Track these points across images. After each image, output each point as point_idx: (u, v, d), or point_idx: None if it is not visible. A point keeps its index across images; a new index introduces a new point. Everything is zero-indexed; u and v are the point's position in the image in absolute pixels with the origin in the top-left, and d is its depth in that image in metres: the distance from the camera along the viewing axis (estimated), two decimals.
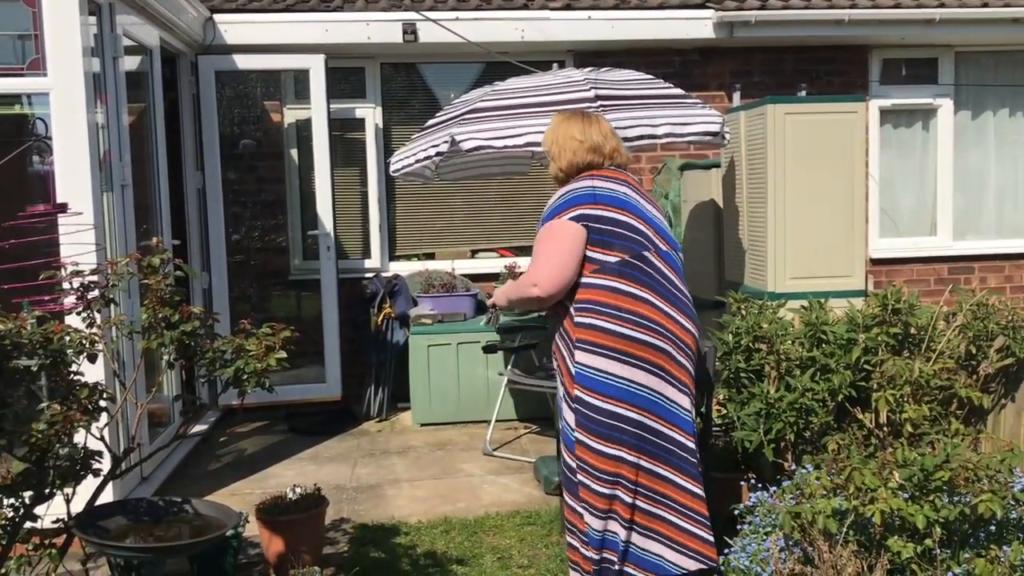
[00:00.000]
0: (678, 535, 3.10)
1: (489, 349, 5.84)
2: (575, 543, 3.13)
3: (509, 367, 5.75)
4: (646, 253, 3.12)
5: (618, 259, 3.07)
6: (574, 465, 3.08)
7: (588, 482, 3.06)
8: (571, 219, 3.08)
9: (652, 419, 3.07)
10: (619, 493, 3.06)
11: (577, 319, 3.08)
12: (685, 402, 3.14)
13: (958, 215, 7.53)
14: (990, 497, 2.80)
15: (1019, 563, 2.72)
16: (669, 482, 3.10)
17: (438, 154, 4.78)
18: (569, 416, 3.09)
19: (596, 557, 3.06)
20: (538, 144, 4.55)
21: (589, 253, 3.08)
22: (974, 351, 4.18)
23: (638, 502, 3.07)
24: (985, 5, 6.82)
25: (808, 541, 2.94)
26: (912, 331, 4.22)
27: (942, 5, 6.76)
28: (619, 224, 3.11)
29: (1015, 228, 7.64)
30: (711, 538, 3.13)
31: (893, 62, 7.33)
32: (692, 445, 3.14)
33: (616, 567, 3.07)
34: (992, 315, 4.22)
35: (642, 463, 3.07)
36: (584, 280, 3.08)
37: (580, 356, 3.06)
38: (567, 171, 3.27)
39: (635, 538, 3.08)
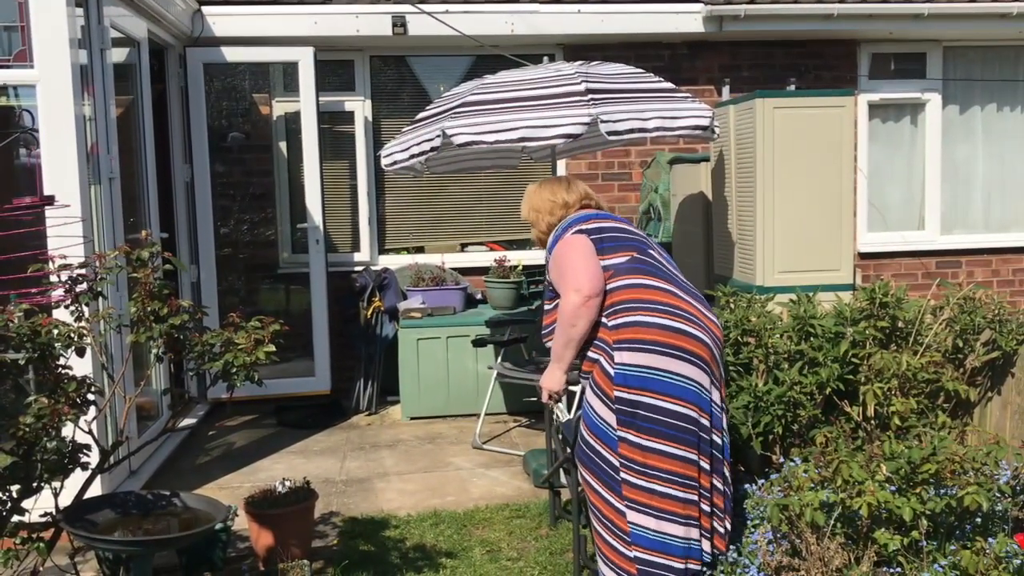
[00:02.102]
0: (713, 525, 3.19)
1: (479, 343, 5.84)
2: (612, 540, 3.12)
3: (498, 360, 5.75)
4: (649, 250, 3.28)
5: (627, 257, 3.19)
6: (617, 463, 3.06)
7: (632, 479, 3.05)
8: (574, 234, 3.24)
9: (702, 416, 3.10)
10: (681, 494, 3.05)
11: (612, 323, 3.11)
12: (717, 396, 3.18)
13: (946, 209, 7.57)
14: (976, 490, 2.82)
15: (1004, 555, 2.74)
16: (713, 486, 3.16)
17: (432, 149, 4.76)
18: (609, 417, 3.07)
19: (681, 567, 3.05)
20: (529, 139, 4.56)
21: (600, 262, 3.17)
22: (961, 344, 4.20)
23: (703, 505, 3.10)
24: (973, 0, 6.84)
25: (796, 533, 2.96)
26: (900, 325, 4.23)
27: (930, 0, 6.78)
28: (616, 230, 3.28)
29: (1002, 222, 7.69)
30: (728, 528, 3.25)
31: (882, 56, 7.35)
32: (722, 441, 3.20)
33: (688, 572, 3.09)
34: (979, 309, 4.24)
35: (702, 464, 3.10)
36: (607, 288, 3.15)
37: (621, 356, 3.07)
38: (548, 231, 3.46)
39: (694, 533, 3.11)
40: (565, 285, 3.14)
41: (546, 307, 3.36)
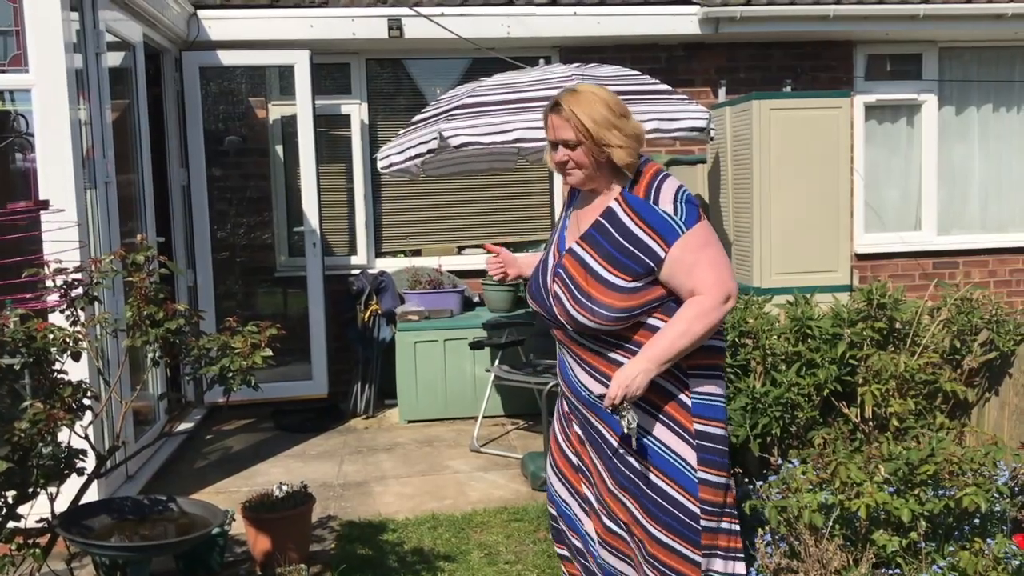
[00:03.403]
0: None
1: (476, 345, 5.84)
2: None
3: (496, 363, 5.75)
4: None
5: None
6: (697, 511, 2.62)
7: (712, 524, 2.66)
8: (704, 219, 2.63)
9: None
10: (737, 527, 2.75)
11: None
12: None
13: (942, 210, 7.57)
14: (974, 490, 2.82)
15: (1002, 555, 2.74)
16: None
17: (429, 151, 4.76)
18: (688, 455, 2.62)
19: None
20: (526, 140, 4.56)
21: None
22: (958, 345, 4.20)
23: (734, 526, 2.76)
24: (969, 1, 6.85)
25: (794, 535, 2.96)
26: (897, 326, 4.24)
27: (926, 1, 6.79)
28: None
29: (999, 223, 7.69)
30: None
31: (878, 58, 7.36)
32: None
33: None
34: (976, 309, 4.24)
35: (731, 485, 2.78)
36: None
37: (699, 384, 2.64)
38: (617, 168, 2.65)
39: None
40: (710, 282, 2.53)
41: (621, 282, 2.55)
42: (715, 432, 2.66)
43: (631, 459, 2.65)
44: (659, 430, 2.64)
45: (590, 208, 2.69)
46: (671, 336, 2.53)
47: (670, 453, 2.63)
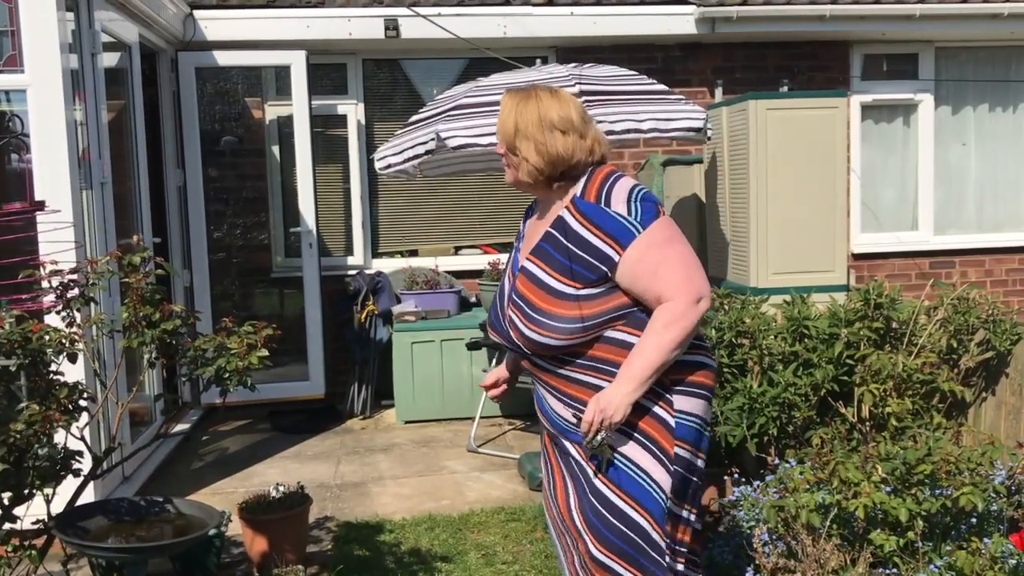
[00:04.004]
0: None
1: (473, 346, 5.83)
2: None
3: (493, 364, 5.74)
4: None
5: None
6: (663, 544, 2.37)
7: (681, 567, 2.45)
8: (665, 215, 2.41)
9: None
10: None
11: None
12: None
13: (939, 210, 7.58)
14: (971, 490, 2.82)
15: (999, 555, 2.74)
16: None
17: (426, 152, 4.76)
18: (664, 480, 2.36)
19: None
20: None
21: None
22: (955, 345, 4.21)
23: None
24: (965, 1, 6.86)
25: (792, 535, 2.96)
26: (894, 325, 4.24)
27: (922, 1, 6.80)
28: None
29: (995, 222, 7.70)
30: None
31: (874, 57, 7.36)
32: None
33: None
34: (972, 309, 4.25)
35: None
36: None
37: (682, 402, 2.39)
38: (567, 170, 2.45)
39: None
40: (677, 285, 2.31)
41: (570, 290, 2.36)
42: (694, 461, 2.40)
43: (596, 481, 2.40)
44: (637, 455, 2.37)
45: (543, 220, 2.52)
46: (644, 351, 2.30)
47: (646, 478, 2.36)
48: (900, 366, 3.95)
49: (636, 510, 2.36)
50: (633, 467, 2.38)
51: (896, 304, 4.21)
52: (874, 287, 4.20)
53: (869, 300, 4.17)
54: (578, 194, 2.43)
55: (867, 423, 3.99)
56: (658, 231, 2.34)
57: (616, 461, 2.38)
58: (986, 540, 2.82)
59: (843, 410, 3.97)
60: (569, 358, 2.41)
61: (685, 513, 2.43)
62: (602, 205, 2.38)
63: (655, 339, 2.30)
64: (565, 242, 2.39)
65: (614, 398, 2.30)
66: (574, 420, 2.42)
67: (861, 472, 2.95)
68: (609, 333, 2.38)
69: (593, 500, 2.41)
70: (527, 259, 2.46)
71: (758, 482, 3.50)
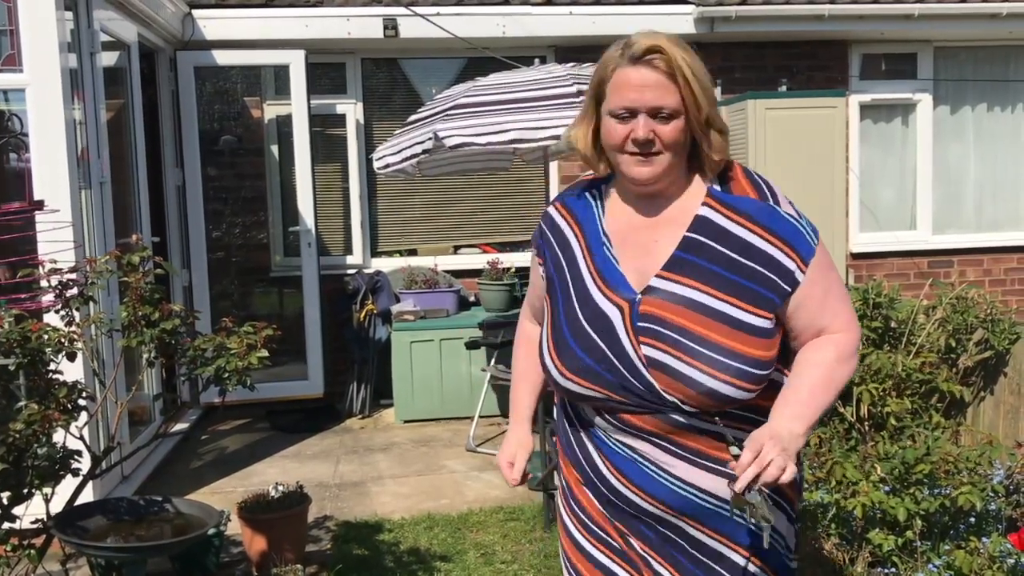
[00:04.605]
0: None
1: (472, 345, 5.84)
2: None
3: (492, 363, 5.74)
4: None
5: None
6: None
7: None
8: None
9: None
10: None
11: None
12: None
13: (937, 209, 7.59)
14: (970, 489, 2.83)
15: (998, 554, 2.74)
16: None
17: (424, 151, 4.76)
18: (792, 542, 1.87)
19: None
20: (521, 140, 4.54)
21: None
22: (954, 344, 4.21)
23: None
24: (964, 1, 6.87)
25: None
26: (893, 325, 4.24)
27: (921, 1, 6.80)
28: None
29: (993, 222, 7.71)
30: None
31: (873, 57, 7.37)
32: None
33: None
34: (971, 308, 4.25)
35: None
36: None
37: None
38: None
39: None
40: (848, 320, 1.80)
41: (761, 322, 1.72)
42: (792, 512, 1.88)
43: (746, 568, 1.81)
44: (776, 516, 1.78)
45: (653, 222, 1.81)
46: (812, 388, 1.71)
47: (783, 544, 1.85)
48: (899, 365, 3.95)
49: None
50: (782, 543, 1.84)
51: (895, 303, 4.21)
52: (873, 286, 4.20)
53: (868, 299, 4.18)
54: (715, 187, 1.81)
55: (866, 422, 3.99)
56: (824, 252, 1.77)
57: (772, 536, 1.77)
58: (984, 539, 2.83)
59: (842, 409, 3.97)
60: (739, 411, 1.77)
61: (795, 565, 1.91)
62: (770, 203, 1.77)
63: (824, 373, 1.73)
64: (723, 249, 1.74)
65: (790, 443, 1.62)
66: (727, 491, 1.67)
67: (860, 471, 2.95)
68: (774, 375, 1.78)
69: None
70: (661, 275, 1.76)
71: None
